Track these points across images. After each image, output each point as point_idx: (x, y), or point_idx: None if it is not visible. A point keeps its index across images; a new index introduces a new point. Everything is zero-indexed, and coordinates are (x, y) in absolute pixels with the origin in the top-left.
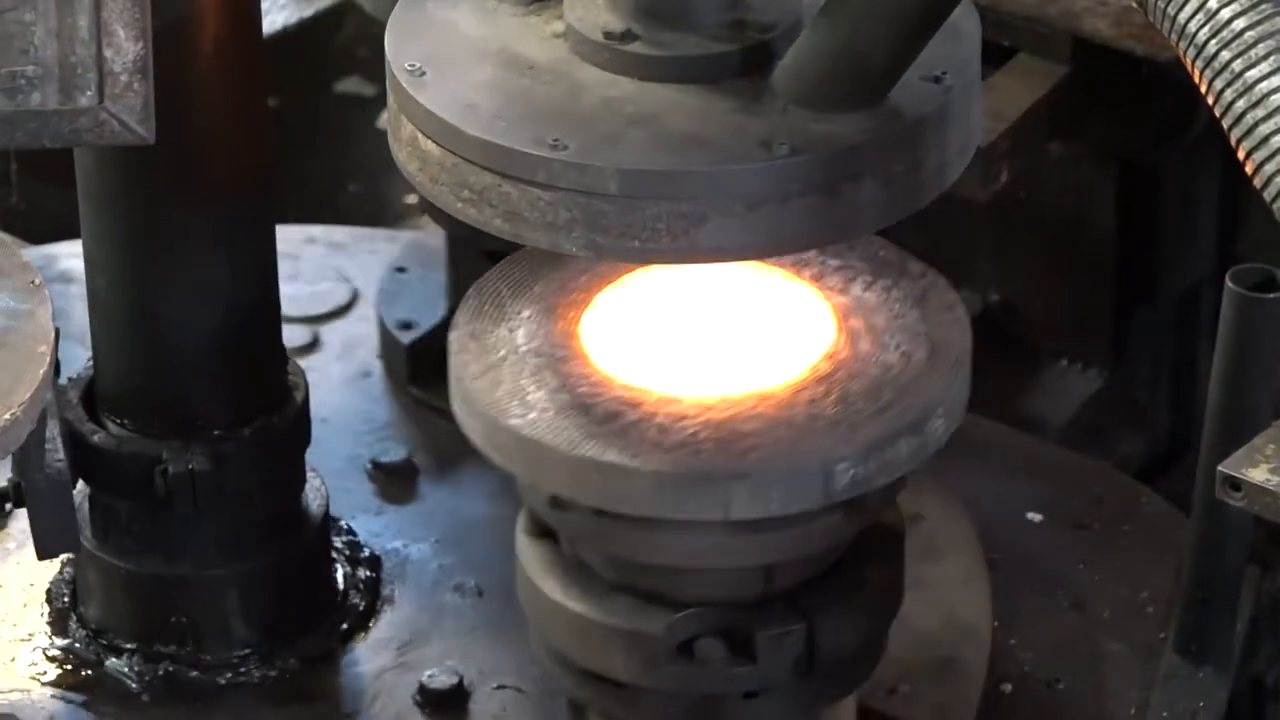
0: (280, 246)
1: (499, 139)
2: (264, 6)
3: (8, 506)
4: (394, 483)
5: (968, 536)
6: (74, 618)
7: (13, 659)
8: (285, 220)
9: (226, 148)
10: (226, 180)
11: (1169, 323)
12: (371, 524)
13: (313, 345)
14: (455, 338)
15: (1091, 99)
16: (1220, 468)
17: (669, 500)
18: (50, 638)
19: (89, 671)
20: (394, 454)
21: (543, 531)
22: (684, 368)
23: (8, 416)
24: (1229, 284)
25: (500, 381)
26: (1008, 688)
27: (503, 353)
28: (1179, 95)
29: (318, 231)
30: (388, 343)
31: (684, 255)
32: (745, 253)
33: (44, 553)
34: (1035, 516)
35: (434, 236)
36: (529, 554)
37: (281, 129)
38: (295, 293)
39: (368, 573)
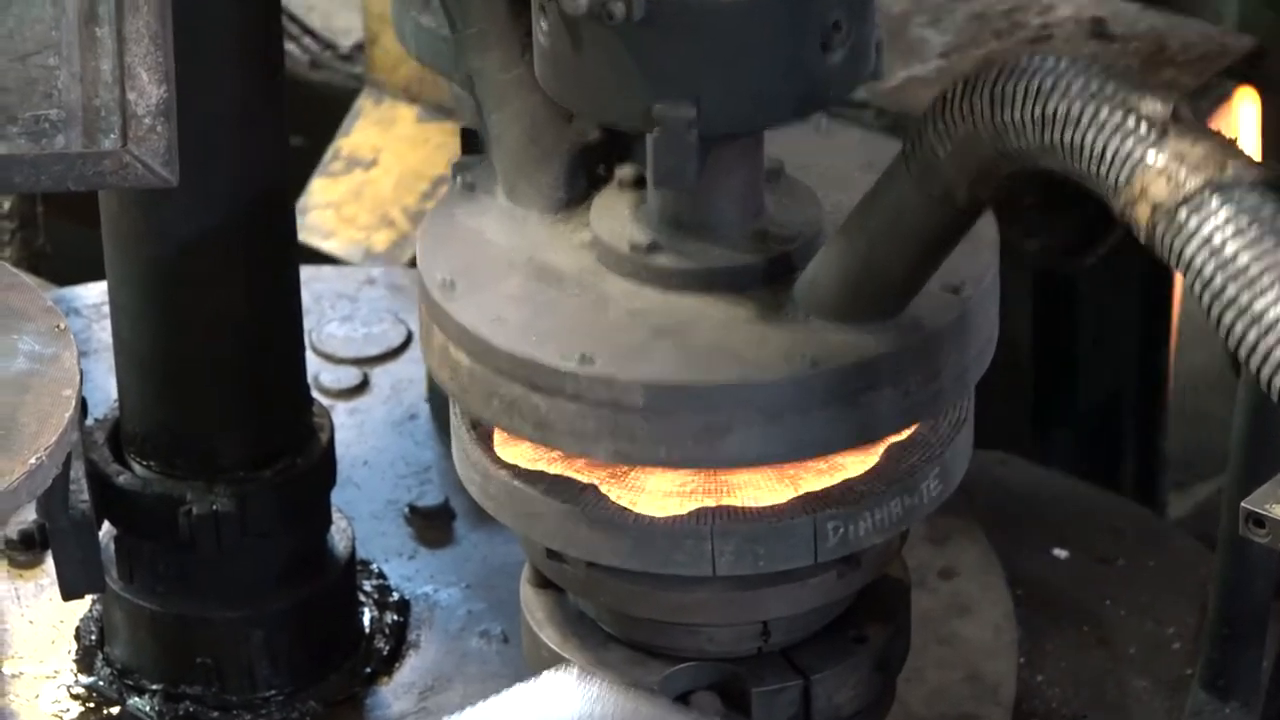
0: (339, 287)
1: (528, 352)
2: (287, 47)
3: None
4: (430, 526)
5: (1000, 594)
6: (100, 656)
7: (37, 695)
8: (308, 260)
9: (249, 190)
10: (249, 222)
11: (1088, 431)
12: (404, 568)
13: (363, 387)
14: None
15: (1006, 210)
16: (1244, 504)
17: (655, 555)
18: (75, 675)
19: (111, 710)
20: (431, 498)
21: (544, 582)
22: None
23: (33, 461)
24: None
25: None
26: None
27: None
28: (1093, 206)
29: (377, 273)
30: (433, 385)
31: (707, 463)
32: (766, 460)
33: (69, 593)
34: (1061, 552)
35: None
36: (531, 604)
37: (305, 168)
38: (350, 334)
39: (395, 617)
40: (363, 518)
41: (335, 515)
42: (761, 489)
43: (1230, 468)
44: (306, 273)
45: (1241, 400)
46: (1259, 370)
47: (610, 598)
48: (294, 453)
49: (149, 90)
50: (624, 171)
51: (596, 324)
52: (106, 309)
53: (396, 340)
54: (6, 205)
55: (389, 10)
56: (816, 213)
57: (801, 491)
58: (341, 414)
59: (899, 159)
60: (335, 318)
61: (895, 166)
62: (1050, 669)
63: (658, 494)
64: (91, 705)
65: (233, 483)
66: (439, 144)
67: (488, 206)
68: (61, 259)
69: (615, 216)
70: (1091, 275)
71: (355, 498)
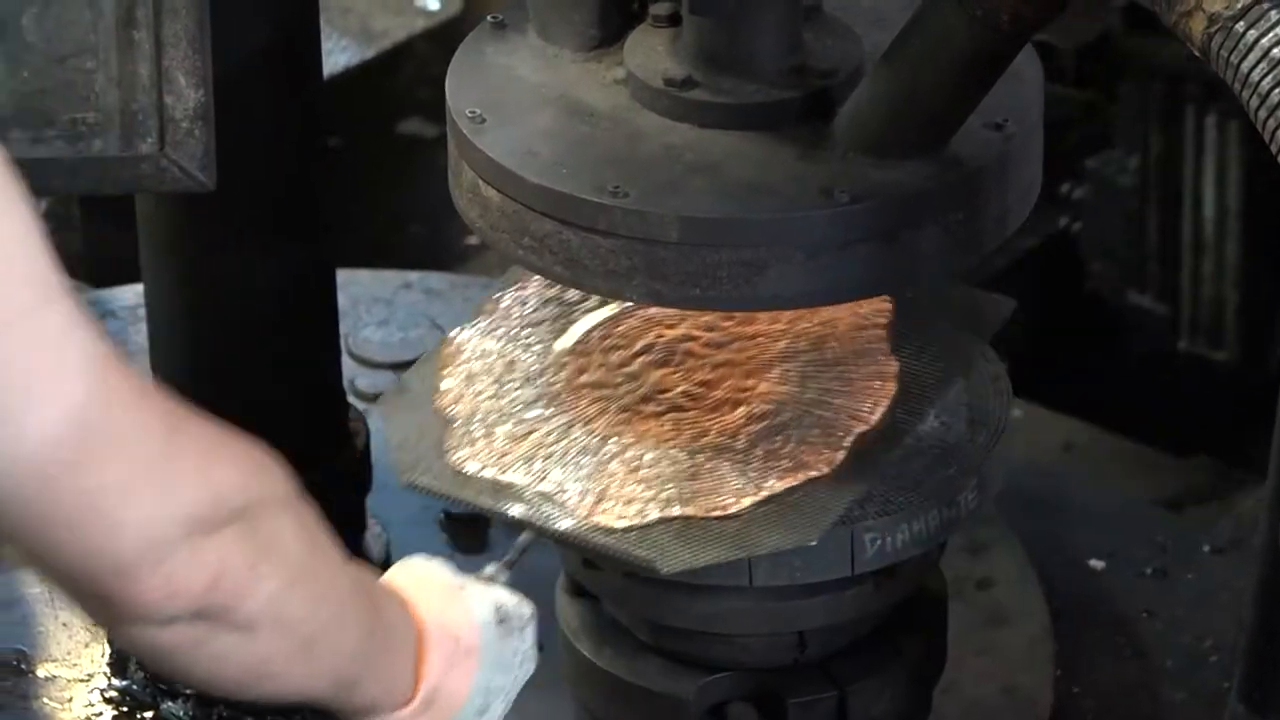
0: (375, 291)
1: (559, 186)
2: (325, 48)
3: None
4: (465, 533)
5: (1037, 605)
6: (134, 660)
7: (70, 699)
8: (344, 263)
9: (286, 193)
10: (286, 226)
11: None
12: None
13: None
14: None
15: None
16: None
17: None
18: (109, 679)
19: (144, 715)
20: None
21: (580, 591)
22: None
23: None
24: None
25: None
26: None
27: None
28: None
29: (414, 277)
30: None
31: (745, 302)
32: (805, 300)
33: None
34: (1098, 564)
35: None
36: (566, 613)
37: (342, 170)
38: (386, 338)
39: None
40: (397, 524)
41: (370, 521)
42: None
43: (1270, 480)
44: (342, 276)
45: None
46: None
47: (646, 607)
48: (329, 458)
49: (186, 94)
50: (659, 8)
51: (630, 159)
52: (142, 311)
53: (433, 345)
54: (42, 207)
55: None
56: (856, 49)
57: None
58: (377, 419)
59: None
60: (371, 322)
61: None
62: (1087, 681)
63: None
64: (125, 709)
65: None
66: None
67: (518, 44)
68: (97, 261)
69: (650, 53)
70: None
71: (390, 503)
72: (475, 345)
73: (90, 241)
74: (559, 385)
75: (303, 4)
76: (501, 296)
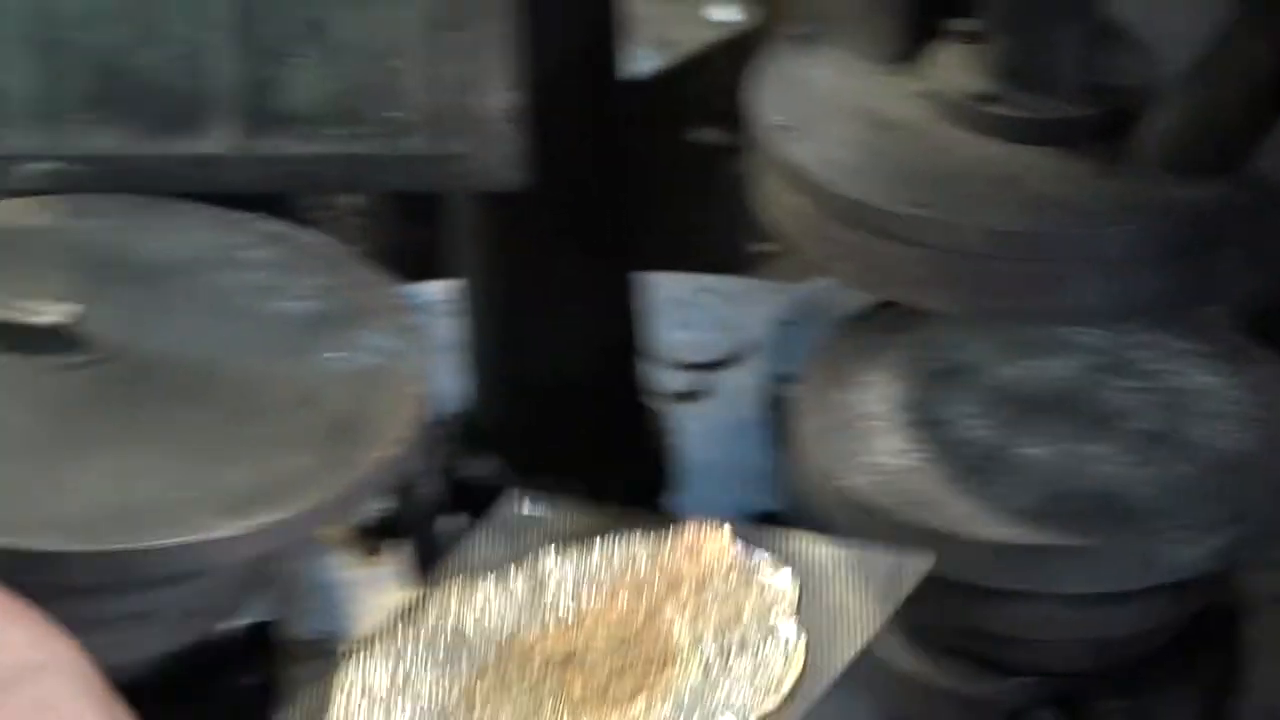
0: (674, 294)
1: (864, 196)
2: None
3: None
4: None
5: None
6: None
7: None
8: (640, 267)
9: (588, 191)
10: (594, 227)
11: None
12: None
13: (693, 394)
14: (797, 397)
15: None
16: None
17: (998, 572)
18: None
19: None
20: (764, 505)
21: None
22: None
23: (383, 454)
24: None
25: (837, 443)
26: None
27: (843, 414)
28: None
29: (711, 281)
30: (766, 396)
31: (1043, 315)
32: (1103, 315)
33: (423, 581)
34: None
35: (827, 292)
36: None
37: (637, 176)
38: (683, 340)
39: None
40: None
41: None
42: None
43: None
44: (643, 280)
45: None
46: None
47: (952, 613)
48: (632, 458)
49: (499, 94)
50: (961, 24)
51: (933, 170)
52: (447, 307)
53: (730, 349)
54: (354, 200)
55: None
56: (1154, 68)
57: None
58: (677, 419)
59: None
60: (672, 325)
61: (1242, 10)
62: None
63: None
64: None
65: (579, 479)
66: None
67: (821, 57)
68: (411, 254)
69: (951, 68)
70: None
71: (685, 503)
72: (365, 669)
73: (402, 237)
74: (453, 703)
75: (607, 9)
76: (396, 621)
